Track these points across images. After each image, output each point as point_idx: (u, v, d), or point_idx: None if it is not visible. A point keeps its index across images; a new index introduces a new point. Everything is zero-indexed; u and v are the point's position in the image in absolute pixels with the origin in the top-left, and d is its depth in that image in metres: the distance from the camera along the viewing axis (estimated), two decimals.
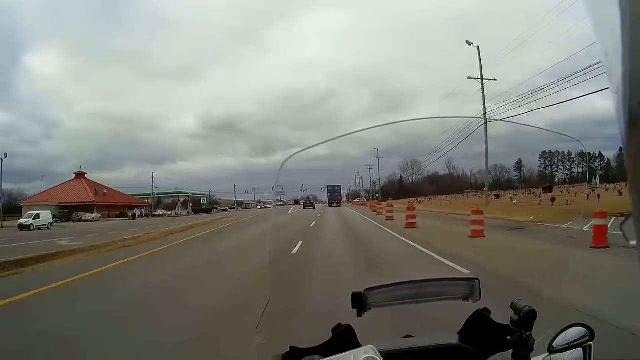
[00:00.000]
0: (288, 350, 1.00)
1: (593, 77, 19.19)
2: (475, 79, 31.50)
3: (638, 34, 0.38)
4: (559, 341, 0.97)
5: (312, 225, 19.73)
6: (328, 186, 65.92)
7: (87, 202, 55.11)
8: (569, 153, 77.98)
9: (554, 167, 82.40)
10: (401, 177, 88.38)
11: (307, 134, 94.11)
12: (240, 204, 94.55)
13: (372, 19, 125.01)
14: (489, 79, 31.34)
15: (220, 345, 3.82)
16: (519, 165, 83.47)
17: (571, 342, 0.97)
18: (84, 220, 47.31)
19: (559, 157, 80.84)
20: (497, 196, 48.06)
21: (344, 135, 1.33)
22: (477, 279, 1.15)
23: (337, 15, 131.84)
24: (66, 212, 50.13)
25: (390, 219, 20.95)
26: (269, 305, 2.22)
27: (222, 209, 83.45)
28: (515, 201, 37.60)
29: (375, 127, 1.36)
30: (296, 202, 77.12)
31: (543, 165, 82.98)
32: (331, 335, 1.01)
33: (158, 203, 75.67)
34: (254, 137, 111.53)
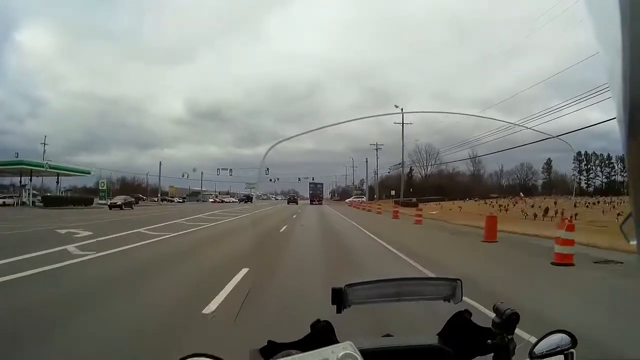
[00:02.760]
0: (266, 344, 0.98)
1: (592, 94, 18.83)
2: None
3: (638, 34, 0.38)
4: (541, 347, 0.96)
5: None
6: (310, 183, 64.64)
7: None
8: (609, 156, 62.98)
9: (590, 172, 66.90)
10: (411, 170, 65.75)
11: (293, 127, 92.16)
12: (196, 194, 79.03)
13: (368, 13, 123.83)
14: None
15: (196, 339, 3.74)
16: (548, 166, 68.01)
17: (553, 349, 0.96)
18: None
19: (596, 161, 65.41)
20: None
21: (328, 126, 1.30)
22: (459, 279, 1.13)
23: (331, 6, 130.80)
24: None
25: None
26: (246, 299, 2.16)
27: (127, 199, 43.32)
28: None
29: (360, 118, 1.32)
30: (247, 199, 67.11)
31: (577, 170, 66.69)
32: (310, 330, 0.99)
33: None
34: (239, 126, 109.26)
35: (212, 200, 76.12)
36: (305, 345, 0.95)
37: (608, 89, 0.43)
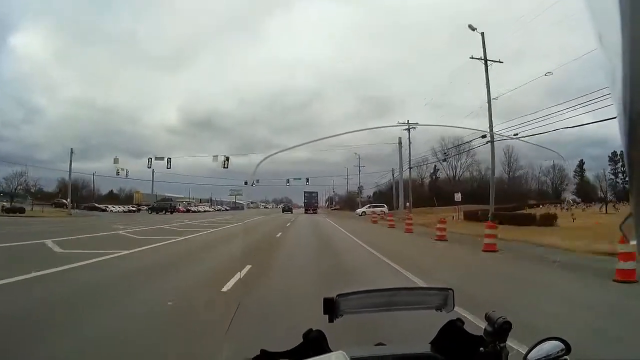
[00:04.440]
0: (258, 353, 0.98)
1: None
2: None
3: (638, 34, 0.38)
4: (534, 354, 0.96)
5: None
6: (304, 192, 60.93)
7: None
8: None
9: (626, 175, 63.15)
10: (436, 170, 53.08)
11: (289, 136, 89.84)
12: (165, 200, 63.03)
13: (367, 21, 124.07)
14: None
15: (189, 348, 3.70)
16: (581, 169, 57.47)
17: (546, 356, 0.96)
18: None
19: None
20: None
21: (326, 138, 1.30)
22: (450, 289, 1.14)
23: (330, 15, 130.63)
24: None
25: None
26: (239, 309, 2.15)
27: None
28: None
29: (356, 131, 1.33)
30: (160, 209, 49.93)
31: (614, 172, 56.11)
32: (302, 340, 0.99)
33: None
34: (234, 135, 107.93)
35: (164, 211, 60.65)
36: (297, 354, 0.95)
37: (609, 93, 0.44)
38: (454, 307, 1.13)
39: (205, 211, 64.11)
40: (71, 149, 43.51)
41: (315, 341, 0.99)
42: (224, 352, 1.07)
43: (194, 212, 60.26)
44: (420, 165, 46.36)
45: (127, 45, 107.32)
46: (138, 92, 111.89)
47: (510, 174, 53.69)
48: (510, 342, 1.00)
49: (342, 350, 0.83)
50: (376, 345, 1.15)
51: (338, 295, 1.06)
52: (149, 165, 41.12)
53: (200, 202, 78.94)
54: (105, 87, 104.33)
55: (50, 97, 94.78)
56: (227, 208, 77.06)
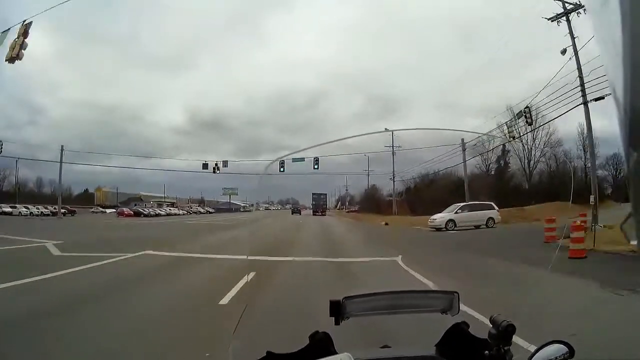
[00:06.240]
0: (265, 355, 0.99)
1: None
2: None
3: (638, 34, 0.38)
4: (538, 357, 0.97)
5: None
6: (313, 194, 58.64)
7: None
8: None
9: None
10: (505, 153, 36.71)
11: (295, 137, 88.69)
12: (132, 199, 57.44)
13: (372, 20, 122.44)
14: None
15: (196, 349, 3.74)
16: None
17: (551, 359, 0.96)
18: None
19: None
20: None
21: (336, 141, 1.32)
22: (456, 292, 1.14)
23: (335, 13, 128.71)
24: None
25: None
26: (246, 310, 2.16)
27: None
28: None
29: (370, 133, 1.35)
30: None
31: None
32: (308, 342, 1.00)
33: None
34: (241, 136, 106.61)
35: (114, 211, 48.71)
36: (303, 356, 0.96)
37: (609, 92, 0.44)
38: (459, 311, 1.13)
39: (168, 215, 47.73)
40: None
41: (321, 343, 0.99)
42: (230, 354, 1.08)
43: (148, 215, 44.56)
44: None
45: (131, 47, 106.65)
46: (142, 93, 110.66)
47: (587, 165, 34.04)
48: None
49: (347, 353, 0.84)
50: (382, 347, 1.16)
51: (344, 298, 1.07)
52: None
53: (189, 202, 70.15)
54: (108, 88, 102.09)
55: (51, 97, 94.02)
56: (211, 210, 62.36)
